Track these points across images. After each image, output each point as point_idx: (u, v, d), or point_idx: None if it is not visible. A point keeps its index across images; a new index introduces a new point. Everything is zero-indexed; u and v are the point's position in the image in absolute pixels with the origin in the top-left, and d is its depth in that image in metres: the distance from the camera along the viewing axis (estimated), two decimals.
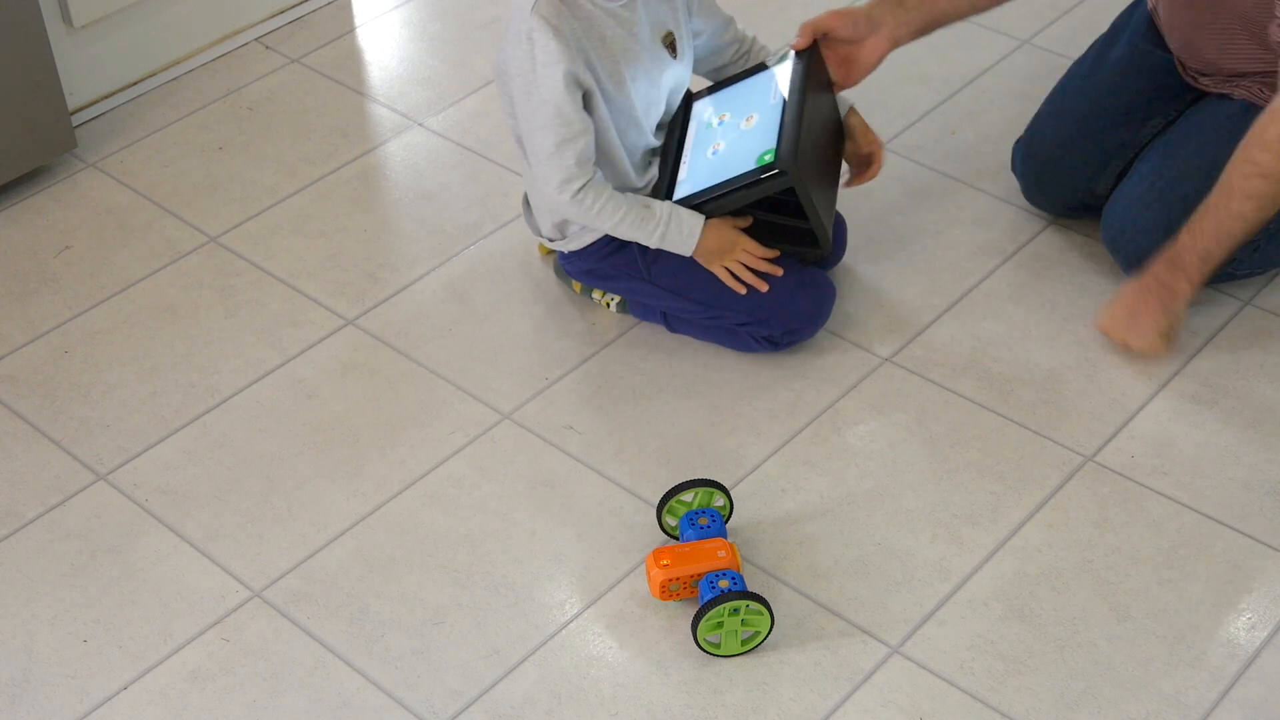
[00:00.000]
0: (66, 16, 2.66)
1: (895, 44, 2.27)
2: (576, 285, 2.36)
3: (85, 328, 2.37)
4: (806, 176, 2.11)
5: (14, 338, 2.36)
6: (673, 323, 2.28)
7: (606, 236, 2.21)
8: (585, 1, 2.06)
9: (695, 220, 2.15)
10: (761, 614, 1.86)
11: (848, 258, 2.40)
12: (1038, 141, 2.43)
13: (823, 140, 2.22)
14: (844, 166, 2.36)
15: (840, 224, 2.35)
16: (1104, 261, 2.39)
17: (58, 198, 2.62)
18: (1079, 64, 2.47)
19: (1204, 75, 2.32)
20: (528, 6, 2.04)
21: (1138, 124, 2.37)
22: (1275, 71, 2.16)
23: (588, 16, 2.06)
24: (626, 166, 2.19)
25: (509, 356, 2.30)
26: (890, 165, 2.61)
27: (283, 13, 3.01)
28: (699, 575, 1.90)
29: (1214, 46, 2.25)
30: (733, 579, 1.87)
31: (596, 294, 2.34)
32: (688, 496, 1.99)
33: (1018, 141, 2.49)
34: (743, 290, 2.18)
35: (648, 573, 1.93)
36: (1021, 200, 2.50)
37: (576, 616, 1.94)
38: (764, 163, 2.09)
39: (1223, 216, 2.13)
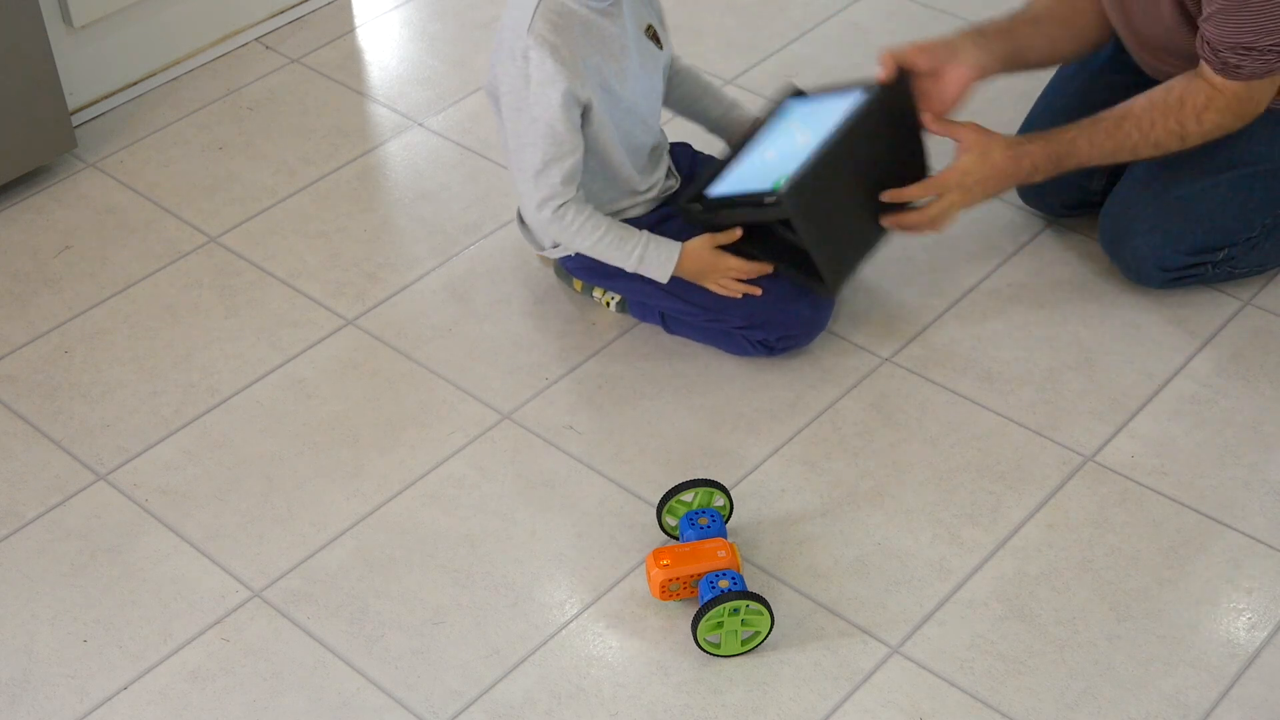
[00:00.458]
0: (66, 16, 2.66)
1: (982, 72, 2.20)
2: (577, 284, 2.36)
3: (85, 328, 2.37)
4: (812, 213, 2.06)
5: (14, 338, 2.36)
6: (670, 324, 2.28)
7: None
8: (578, 7, 2.06)
9: (672, 247, 2.16)
10: (761, 614, 1.86)
11: None
12: None
13: (867, 181, 2.16)
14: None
15: None
16: (1103, 262, 2.39)
17: (58, 198, 2.62)
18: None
19: (1162, 63, 2.29)
20: (523, 25, 2.04)
21: None
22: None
23: (584, 22, 2.06)
24: (629, 171, 2.19)
25: (509, 356, 2.30)
26: None
27: (283, 13, 3.01)
28: (699, 575, 1.90)
29: (1150, 23, 2.23)
30: (733, 579, 1.87)
31: (597, 293, 2.34)
32: (688, 496, 1.99)
33: None
34: (738, 296, 2.18)
35: (648, 573, 1.93)
36: (1020, 200, 2.50)
37: (576, 616, 1.94)
38: (775, 187, 2.06)
39: (1123, 148, 2.18)
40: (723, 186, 2.16)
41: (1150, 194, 2.27)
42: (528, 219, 2.19)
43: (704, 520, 1.96)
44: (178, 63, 2.89)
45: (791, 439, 2.16)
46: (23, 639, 1.94)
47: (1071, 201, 2.44)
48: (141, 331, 2.36)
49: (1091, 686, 1.84)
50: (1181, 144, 2.18)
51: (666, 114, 2.34)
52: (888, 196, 2.18)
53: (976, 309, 2.34)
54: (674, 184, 2.29)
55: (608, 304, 2.34)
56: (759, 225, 2.15)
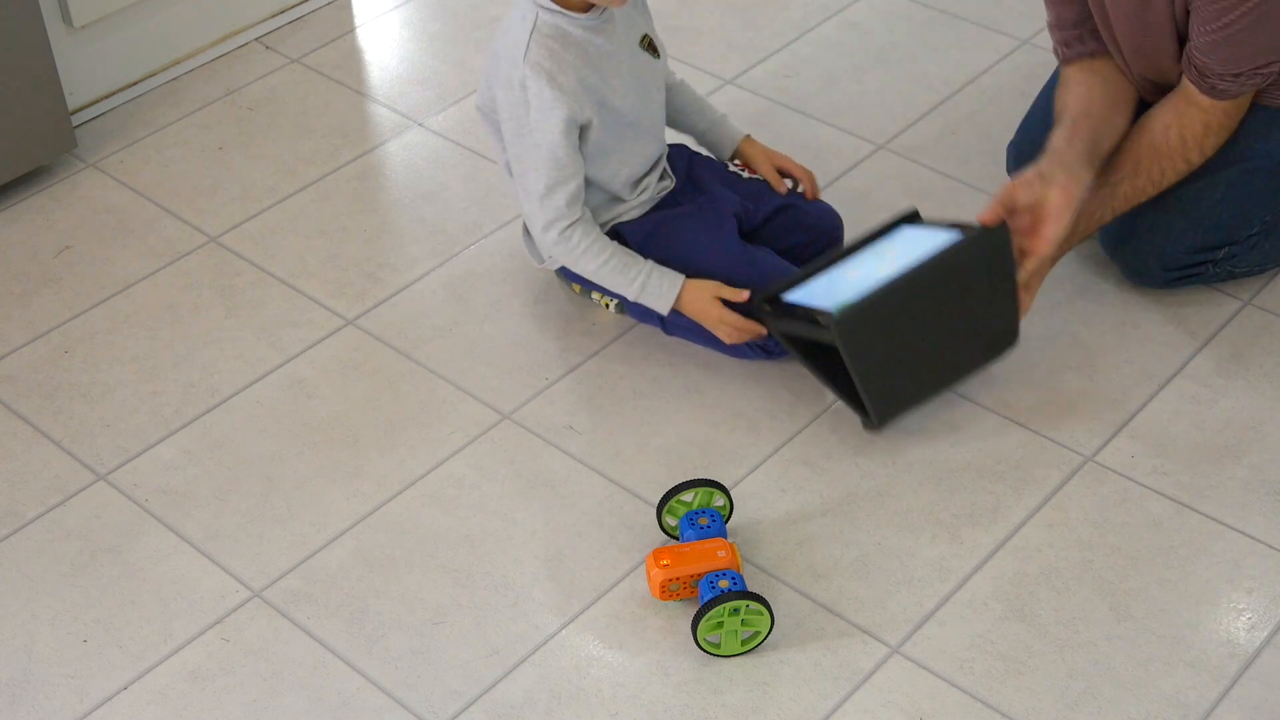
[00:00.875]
0: (66, 16, 2.66)
1: (1079, 182, 2.15)
2: (576, 286, 2.36)
3: (85, 328, 2.37)
4: (864, 344, 2.01)
5: (14, 338, 2.36)
6: (670, 326, 2.28)
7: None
8: (571, 28, 2.06)
9: (675, 281, 2.16)
10: (761, 614, 1.86)
11: None
12: (1029, 142, 2.43)
13: (946, 323, 2.08)
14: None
15: (838, 223, 2.35)
16: (1103, 262, 2.39)
17: (58, 198, 2.62)
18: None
19: (1152, 68, 2.29)
20: (519, 55, 2.05)
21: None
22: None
23: (578, 42, 2.07)
24: (628, 181, 2.21)
25: (509, 356, 2.30)
26: (890, 165, 2.62)
27: (283, 13, 3.01)
28: (699, 575, 1.90)
29: (1166, 58, 2.24)
30: (733, 579, 1.87)
31: (596, 295, 2.34)
32: (688, 496, 1.99)
33: (1011, 143, 2.49)
34: (730, 342, 2.19)
35: (648, 573, 1.93)
36: None
37: (577, 616, 1.94)
38: (837, 308, 2.00)
39: (1142, 198, 2.22)
40: (797, 294, 2.11)
41: (1150, 199, 2.27)
42: (535, 239, 2.19)
43: (704, 520, 1.96)
44: (178, 63, 2.89)
45: (791, 439, 2.16)
46: (23, 639, 1.94)
47: None
48: (141, 331, 2.36)
49: (1091, 686, 1.84)
50: (1190, 170, 2.22)
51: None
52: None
53: None
54: (669, 185, 2.29)
55: (606, 305, 2.34)
56: (817, 342, 2.09)
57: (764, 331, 2.17)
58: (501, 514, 2.07)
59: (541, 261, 2.31)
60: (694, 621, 1.86)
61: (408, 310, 2.39)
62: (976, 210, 2.50)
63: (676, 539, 2.01)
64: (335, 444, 2.18)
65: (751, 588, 1.94)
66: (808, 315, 2.05)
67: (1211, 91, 2.13)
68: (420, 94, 2.84)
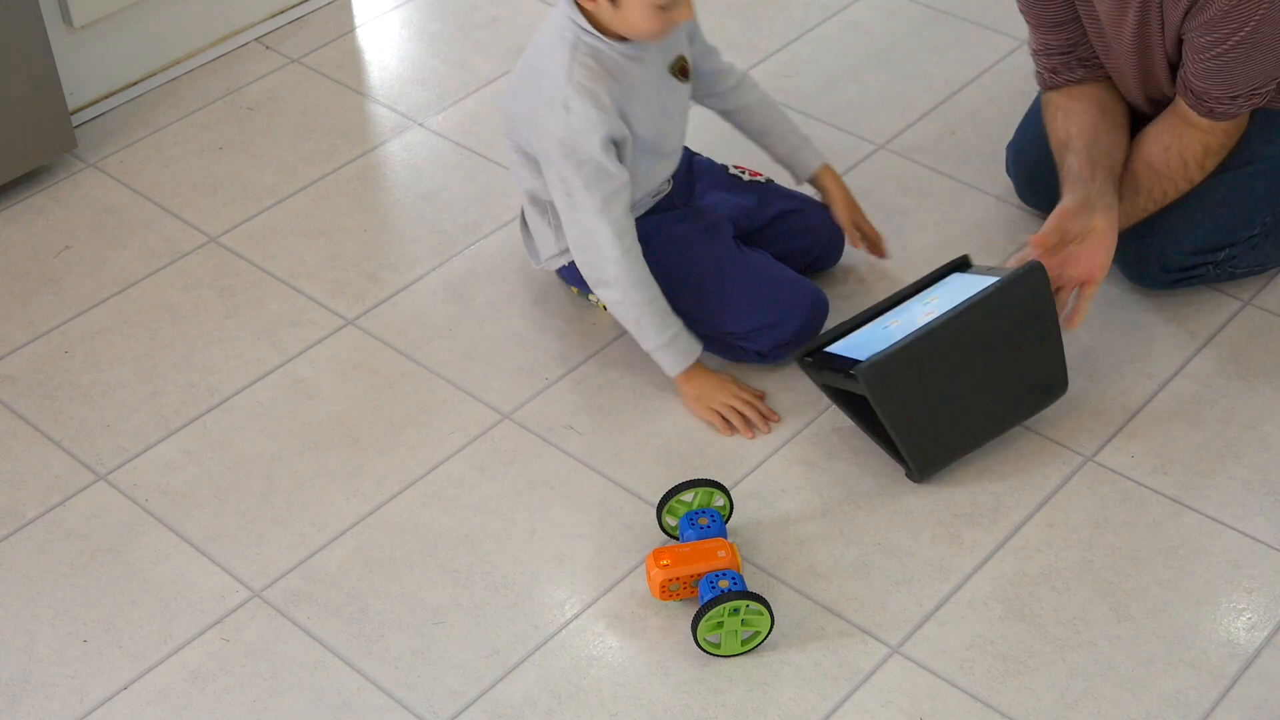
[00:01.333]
0: (66, 16, 2.66)
1: (1114, 208, 2.17)
2: (575, 289, 2.36)
3: (85, 328, 2.37)
4: (895, 395, 1.99)
5: (14, 338, 2.36)
6: None
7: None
8: (608, 53, 2.07)
9: (693, 350, 2.16)
10: (761, 614, 1.86)
11: (848, 258, 2.40)
12: (1028, 142, 2.43)
13: (986, 370, 2.04)
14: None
15: (839, 229, 2.35)
16: None
17: (58, 198, 2.62)
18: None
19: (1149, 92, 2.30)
20: (562, 75, 2.05)
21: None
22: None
23: (615, 65, 2.07)
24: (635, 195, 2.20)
25: (509, 356, 2.30)
26: (890, 165, 2.62)
27: (283, 13, 3.01)
28: (699, 575, 1.90)
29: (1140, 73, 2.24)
30: (733, 579, 1.87)
31: (594, 296, 2.34)
32: (688, 496, 1.99)
33: (1010, 143, 2.49)
34: (729, 434, 2.16)
35: (648, 573, 1.93)
36: (1019, 200, 2.50)
37: (576, 616, 1.94)
38: (865, 361, 1.98)
39: (1140, 212, 2.23)
40: (838, 346, 2.09)
41: None
42: (605, 255, 2.12)
43: (704, 520, 1.96)
44: (178, 63, 2.89)
45: (791, 439, 2.16)
46: (23, 639, 1.94)
47: None
48: (141, 331, 2.36)
49: (1091, 686, 1.84)
50: (1192, 188, 2.22)
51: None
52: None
53: None
54: (666, 189, 2.28)
55: (603, 307, 2.33)
56: (854, 395, 2.08)
57: (776, 419, 2.17)
58: (501, 514, 2.07)
59: (539, 262, 2.31)
60: (694, 621, 1.86)
61: (408, 310, 2.39)
62: (977, 210, 2.51)
63: (676, 539, 2.01)
64: (335, 444, 2.18)
65: (751, 588, 1.94)
66: (842, 367, 2.03)
67: (1210, 114, 2.13)
68: (420, 94, 2.84)
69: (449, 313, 2.38)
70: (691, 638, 1.88)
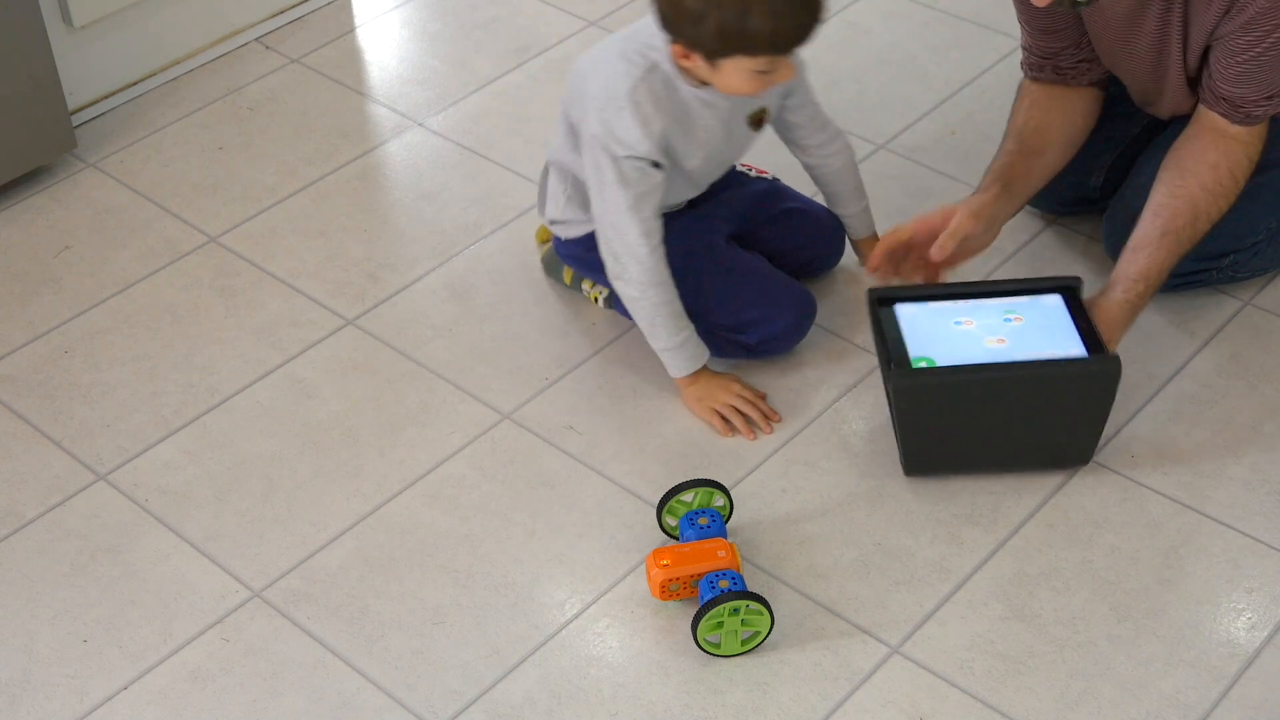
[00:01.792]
0: (66, 16, 2.66)
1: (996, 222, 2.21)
2: (567, 275, 2.35)
3: (85, 328, 2.37)
4: (918, 409, 1.99)
5: (14, 338, 2.36)
6: None
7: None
8: (686, 90, 2.05)
9: (699, 356, 2.16)
10: (761, 614, 1.86)
11: (848, 259, 2.40)
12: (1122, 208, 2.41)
13: (1018, 421, 2.03)
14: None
15: (837, 225, 2.35)
16: (1103, 261, 2.38)
17: (58, 198, 2.62)
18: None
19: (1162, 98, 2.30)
20: (625, 84, 2.03)
21: (1125, 119, 2.37)
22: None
23: (683, 103, 2.06)
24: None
25: (509, 356, 2.30)
26: (890, 165, 2.62)
27: (283, 13, 3.01)
28: (699, 575, 1.90)
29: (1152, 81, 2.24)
30: (733, 579, 1.87)
31: (586, 285, 2.34)
32: (688, 496, 1.99)
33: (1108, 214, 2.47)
34: (729, 435, 2.16)
35: (648, 573, 1.93)
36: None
37: (576, 616, 1.94)
38: (903, 368, 1.98)
39: (1199, 235, 2.14)
40: (907, 312, 2.06)
41: None
42: (631, 249, 2.11)
43: (704, 520, 1.96)
44: (178, 63, 2.89)
45: (791, 439, 2.16)
46: (23, 639, 1.94)
47: (1070, 198, 2.43)
48: (141, 331, 2.36)
49: (1091, 686, 1.84)
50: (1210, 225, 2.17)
51: None
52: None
53: None
54: (682, 205, 2.27)
55: (595, 299, 2.34)
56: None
57: (777, 418, 2.17)
58: (501, 514, 2.07)
59: (543, 216, 2.29)
60: (694, 621, 1.86)
61: (408, 310, 2.39)
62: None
63: (676, 539, 2.01)
64: (335, 444, 2.18)
65: (751, 588, 1.94)
66: (886, 346, 2.03)
67: (1247, 119, 2.11)
68: (420, 94, 2.84)
69: (449, 313, 2.38)
70: (691, 638, 1.88)
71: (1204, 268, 2.27)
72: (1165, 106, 2.26)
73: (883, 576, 1.97)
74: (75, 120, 2.74)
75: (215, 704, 1.86)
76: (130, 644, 1.93)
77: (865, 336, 2.30)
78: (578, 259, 2.28)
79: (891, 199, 2.53)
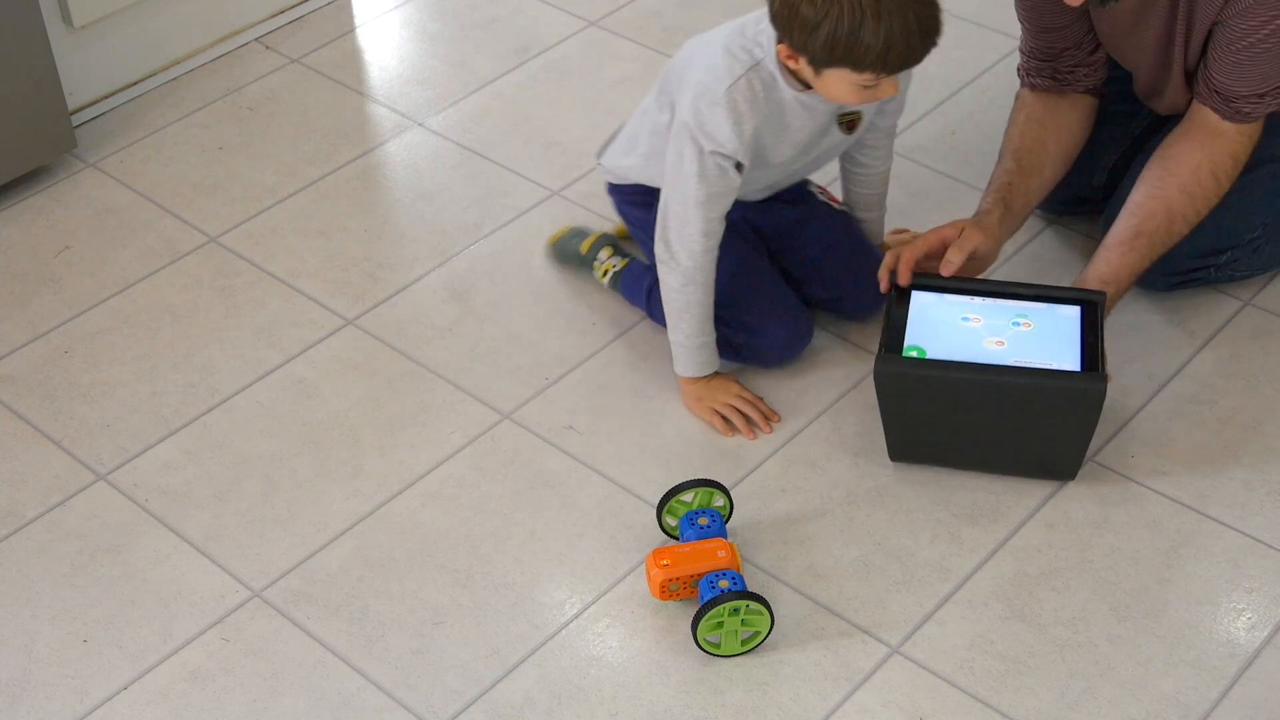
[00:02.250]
0: (66, 16, 2.66)
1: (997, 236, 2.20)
2: (584, 246, 2.36)
3: (85, 328, 2.37)
4: (899, 399, 2.01)
5: (14, 338, 2.36)
6: (653, 308, 2.27)
7: (643, 186, 2.22)
8: (786, 91, 2.04)
9: (715, 361, 2.16)
10: (761, 614, 1.86)
11: None
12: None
13: (996, 428, 2.03)
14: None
15: (868, 281, 2.21)
16: None
17: (58, 198, 2.62)
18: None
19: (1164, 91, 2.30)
20: (724, 81, 2.01)
21: (1125, 118, 2.37)
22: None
23: (780, 102, 2.05)
24: None
25: (509, 356, 2.30)
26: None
27: (283, 13, 3.01)
28: (699, 575, 1.90)
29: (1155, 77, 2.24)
30: (733, 579, 1.87)
31: (603, 254, 2.33)
32: (688, 496, 1.99)
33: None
34: (729, 434, 2.16)
35: (648, 573, 1.93)
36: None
37: (576, 616, 1.94)
38: (886, 355, 2.00)
39: (1175, 238, 2.16)
40: (922, 300, 2.07)
41: None
42: (686, 244, 2.09)
43: (704, 520, 1.96)
44: (178, 63, 2.89)
45: (791, 439, 2.16)
46: (23, 639, 1.94)
47: (1070, 197, 2.43)
48: (141, 331, 2.36)
49: (1091, 686, 1.84)
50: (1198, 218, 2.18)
51: None
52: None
53: None
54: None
55: (604, 275, 2.33)
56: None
57: (776, 418, 2.17)
58: (501, 514, 2.07)
59: (599, 159, 2.29)
60: (694, 621, 1.86)
61: (408, 310, 2.39)
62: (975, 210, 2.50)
63: (676, 539, 2.01)
64: (335, 444, 2.18)
65: (751, 588, 1.94)
66: (889, 330, 2.03)
67: (1236, 116, 2.11)
68: (420, 94, 2.84)
69: (449, 313, 2.38)
70: (691, 638, 1.88)
71: (1202, 265, 2.27)
72: (1167, 100, 2.26)
73: (883, 576, 1.97)
74: (75, 120, 2.74)
75: (215, 704, 1.86)
76: (130, 644, 1.93)
77: (865, 337, 2.30)
78: (632, 203, 2.26)
79: (892, 199, 2.53)
